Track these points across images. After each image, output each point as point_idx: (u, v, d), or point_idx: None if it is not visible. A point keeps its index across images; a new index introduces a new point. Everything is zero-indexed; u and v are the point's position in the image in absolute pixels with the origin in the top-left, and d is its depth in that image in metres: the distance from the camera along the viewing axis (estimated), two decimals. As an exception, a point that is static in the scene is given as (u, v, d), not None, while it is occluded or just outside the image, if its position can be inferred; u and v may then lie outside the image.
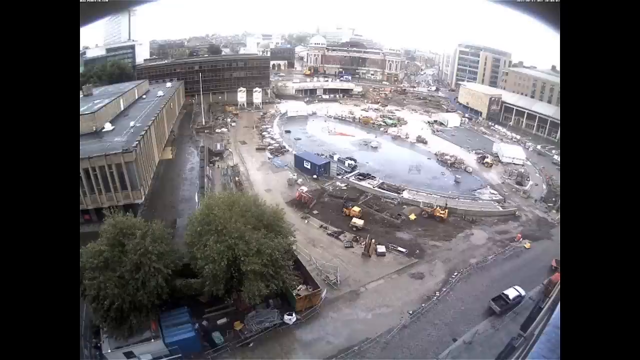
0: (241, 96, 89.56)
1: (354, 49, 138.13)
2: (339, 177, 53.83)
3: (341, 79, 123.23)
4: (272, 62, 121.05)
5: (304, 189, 49.00)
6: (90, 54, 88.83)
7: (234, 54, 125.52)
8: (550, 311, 13.82)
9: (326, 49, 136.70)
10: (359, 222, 41.32)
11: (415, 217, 44.01)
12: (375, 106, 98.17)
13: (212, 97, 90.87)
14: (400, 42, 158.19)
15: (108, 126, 45.20)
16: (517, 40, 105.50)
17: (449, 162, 62.45)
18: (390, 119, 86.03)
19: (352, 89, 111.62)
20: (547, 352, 6.87)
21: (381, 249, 37.15)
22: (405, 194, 48.89)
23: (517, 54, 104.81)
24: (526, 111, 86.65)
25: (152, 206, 42.90)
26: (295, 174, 54.12)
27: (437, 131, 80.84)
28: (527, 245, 39.75)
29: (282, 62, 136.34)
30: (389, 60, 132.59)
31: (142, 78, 78.85)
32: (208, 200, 29.91)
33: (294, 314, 28.38)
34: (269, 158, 60.77)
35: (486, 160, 63.83)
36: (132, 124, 47.14)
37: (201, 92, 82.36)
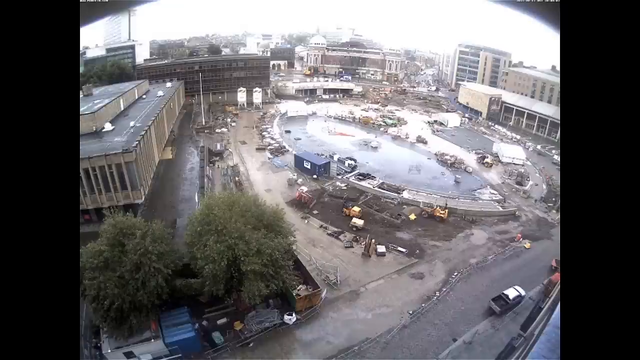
0: (241, 96, 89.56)
1: (354, 49, 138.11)
2: (339, 177, 53.85)
3: (341, 79, 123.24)
4: (272, 62, 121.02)
5: (304, 189, 49.00)
6: (90, 54, 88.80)
7: (234, 54, 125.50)
8: (550, 311, 13.82)
9: (326, 49, 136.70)
10: (359, 222, 41.33)
11: (415, 217, 44.02)
12: (375, 106, 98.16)
13: (212, 97, 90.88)
14: (400, 42, 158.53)
15: (108, 126, 45.19)
16: (517, 40, 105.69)
17: (449, 162, 62.44)
18: (390, 119, 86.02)
19: (352, 89, 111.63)
20: (547, 352, 6.87)
21: (381, 249, 37.14)
22: (405, 194, 48.89)
23: (517, 54, 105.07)
24: (526, 111, 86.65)
25: (152, 206, 42.91)
26: (295, 174, 54.12)
27: (437, 131, 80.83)
28: (527, 245, 39.75)
29: (282, 62, 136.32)
30: (389, 60, 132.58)
31: (142, 78, 78.84)
32: (208, 200, 29.90)
33: (294, 314, 28.38)
34: (269, 158, 60.75)
35: (486, 160, 63.85)
36: (132, 124, 47.13)
37: (201, 92, 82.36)
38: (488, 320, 29.41)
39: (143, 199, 41.12)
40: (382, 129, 79.55)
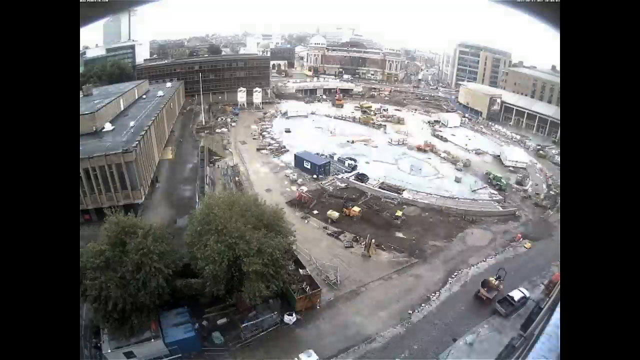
0: (241, 96, 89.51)
1: (354, 49, 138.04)
2: (339, 177, 53.84)
3: (341, 79, 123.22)
4: (272, 62, 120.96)
5: (304, 189, 49.01)
6: (90, 54, 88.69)
7: (234, 54, 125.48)
8: (550, 311, 13.83)
9: (326, 49, 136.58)
10: (335, 215, 42.12)
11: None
12: (376, 106, 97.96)
13: (212, 97, 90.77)
14: (400, 42, 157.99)
15: (108, 126, 45.18)
16: (517, 40, 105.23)
17: (449, 161, 62.40)
18: (390, 119, 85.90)
19: (352, 89, 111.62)
20: (547, 352, 6.87)
21: (381, 249, 37.11)
22: (405, 194, 48.89)
23: (517, 54, 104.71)
24: (526, 111, 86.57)
25: (152, 206, 42.89)
26: (295, 174, 54.13)
27: (437, 131, 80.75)
28: (527, 245, 39.76)
29: (282, 62, 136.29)
30: (389, 60, 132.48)
31: (142, 78, 78.73)
32: (208, 200, 29.89)
33: (294, 314, 28.39)
34: (269, 158, 60.70)
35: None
36: (132, 124, 47.14)
37: (201, 92, 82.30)
38: (488, 320, 29.42)
39: (143, 199, 41.14)
40: (382, 128, 79.50)
